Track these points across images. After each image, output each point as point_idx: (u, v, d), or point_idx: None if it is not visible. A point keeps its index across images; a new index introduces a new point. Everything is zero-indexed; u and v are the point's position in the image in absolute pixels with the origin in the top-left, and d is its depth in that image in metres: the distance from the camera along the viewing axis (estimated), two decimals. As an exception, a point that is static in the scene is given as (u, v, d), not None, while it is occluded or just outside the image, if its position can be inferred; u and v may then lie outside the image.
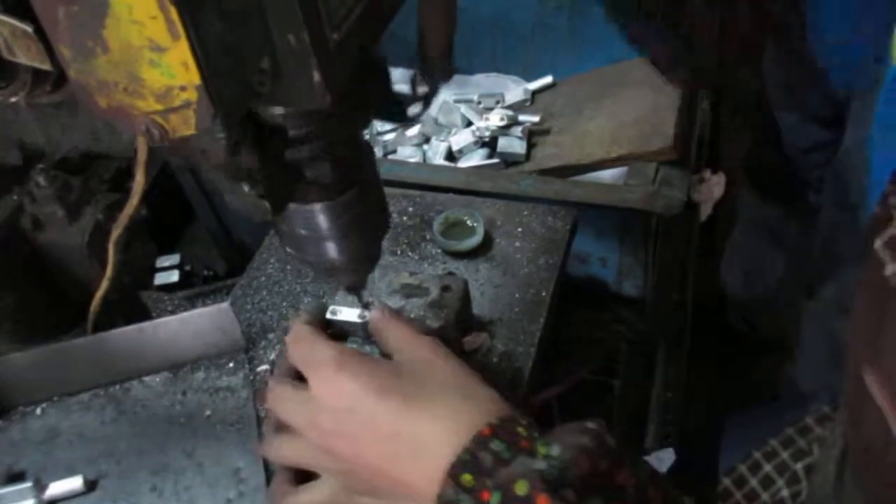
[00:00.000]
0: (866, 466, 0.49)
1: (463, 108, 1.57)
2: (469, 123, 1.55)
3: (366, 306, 0.83)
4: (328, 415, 0.62)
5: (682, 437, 1.25)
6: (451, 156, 1.50)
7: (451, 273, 1.01)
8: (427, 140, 1.54)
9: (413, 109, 0.63)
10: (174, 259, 1.24)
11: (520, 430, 0.57)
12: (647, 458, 1.09)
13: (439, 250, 1.06)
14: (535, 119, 1.50)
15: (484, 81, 1.74)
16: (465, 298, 0.92)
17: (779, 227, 1.70)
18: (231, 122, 0.45)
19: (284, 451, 0.68)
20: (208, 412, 0.90)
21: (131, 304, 0.99)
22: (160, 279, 1.21)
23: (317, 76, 0.46)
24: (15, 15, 0.41)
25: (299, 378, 0.67)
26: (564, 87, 1.61)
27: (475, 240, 1.04)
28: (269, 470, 0.80)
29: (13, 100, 0.46)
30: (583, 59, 1.65)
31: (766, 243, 1.75)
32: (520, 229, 1.07)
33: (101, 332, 0.90)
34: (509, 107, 1.59)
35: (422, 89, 0.63)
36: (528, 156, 1.45)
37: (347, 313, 0.85)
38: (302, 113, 0.53)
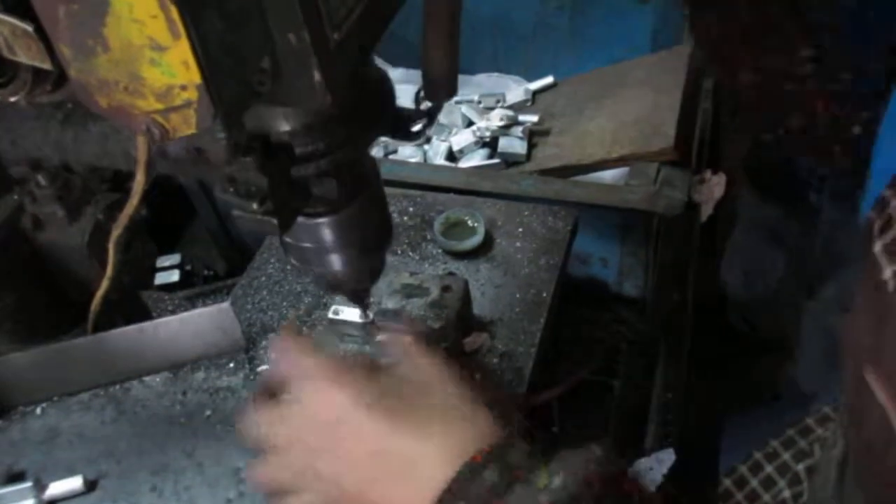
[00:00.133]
0: (868, 466, 0.49)
1: (464, 108, 1.57)
2: (470, 123, 1.55)
3: (366, 307, 0.83)
4: (314, 429, 0.59)
5: (683, 438, 1.24)
6: (451, 156, 1.50)
7: (451, 273, 1.01)
8: (428, 140, 1.54)
9: (417, 126, 0.63)
10: (174, 259, 1.24)
11: (515, 457, 0.54)
12: (647, 458, 1.09)
13: (440, 250, 1.06)
14: (536, 119, 1.50)
15: (485, 81, 1.74)
16: (466, 298, 0.92)
17: (779, 227, 1.70)
18: (231, 122, 0.45)
19: (263, 474, 0.62)
20: (208, 412, 0.90)
21: (131, 304, 0.99)
22: (160, 279, 1.21)
23: (317, 76, 0.46)
24: (15, 14, 0.41)
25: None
26: (565, 87, 1.61)
27: (476, 240, 1.04)
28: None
29: (13, 99, 0.45)
30: (584, 59, 1.65)
31: (767, 243, 1.74)
32: (520, 229, 1.07)
33: (101, 332, 0.90)
34: (510, 107, 1.59)
35: (425, 106, 0.62)
36: (528, 156, 1.45)
37: (349, 313, 0.85)
38: (308, 130, 0.53)
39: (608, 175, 1.35)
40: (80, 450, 0.87)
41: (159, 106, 0.41)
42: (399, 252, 1.06)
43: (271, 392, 0.64)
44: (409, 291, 0.90)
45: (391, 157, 1.50)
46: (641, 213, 1.20)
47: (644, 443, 1.25)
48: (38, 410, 0.92)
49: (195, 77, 0.39)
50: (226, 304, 0.93)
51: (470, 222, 1.06)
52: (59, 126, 0.56)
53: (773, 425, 0.88)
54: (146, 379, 0.94)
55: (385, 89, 0.59)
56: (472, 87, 1.70)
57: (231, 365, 0.95)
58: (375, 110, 0.57)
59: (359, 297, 0.79)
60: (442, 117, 1.57)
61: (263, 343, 0.97)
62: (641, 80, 1.45)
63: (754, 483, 0.85)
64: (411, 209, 1.12)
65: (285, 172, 0.54)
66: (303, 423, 0.60)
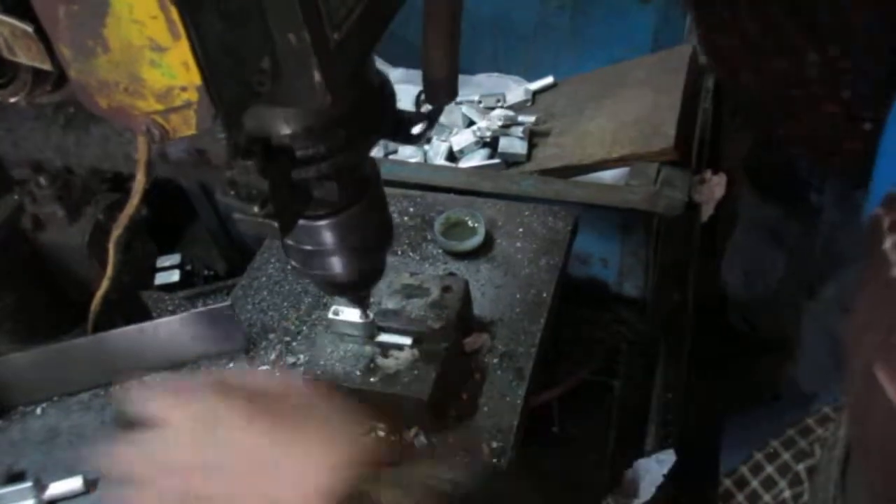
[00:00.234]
0: (873, 462, 0.48)
1: (464, 108, 1.57)
2: (470, 123, 1.55)
3: (367, 307, 0.83)
4: (185, 446, 0.56)
5: (683, 438, 1.24)
6: (451, 156, 1.50)
7: (451, 273, 1.01)
8: (428, 140, 1.54)
9: (417, 129, 0.63)
10: (175, 259, 1.24)
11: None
12: (647, 458, 1.09)
13: (440, 250, 1.06)
14: (536, 119, 1.50)
15: (485, 81, 1.73)
16: (466, 299, 0.92)
17: (780, 227, 1.70)
18: (232, 123, 0.45)
19: None
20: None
21: (132, 304, 0.99)
22: (161, 279, 1.21)
23: (317, 76, 0.46)
24: (15, 15, 0.41)
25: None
26: (565, 88, 1.61)
27: (476, 240, 1.04)
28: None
29: (13, 100, 0.45)
30: (584, 59, 1.65)
31: (767, 243, 1.74)
32: (521, 230, 1.07)
33: (101, 332, 0.90)
34: (510, 107, 1.59)
35: (426, 108, 0.62)
36: (529, 156, 1.45)
37: (349, 314, 0.85)
38: (309, 133, 0.53)
39: (608, 175, 1.35)
40: (80, 450, 0.87)
41: (159, 107, 0.41)
42: (399, 252, 1.06)
43: (130, 425, 0.60)
44: (410, 292, 0.90)
45: (391, 157, 1.50)
46: (642, 213, 1.19)
47: (644, 443, 1.25)
48: (38, 410, 0.92)
49: (195, 78, 0.39)
50: (226, 305, 0.93)
51: (470, 222, 1.06)
52: (61, 129, 0.56)
53: (774, 425, 0.88)
54: (146, 379, 0.94)
55: (386, 93, 0.59)
56: (473, 87, 1.70)
57: (231, 365, 0.95)
58: (376, 113, 0.58)
59: (359, 299, 0.79)
60: (442, 117, 1.56)
61: (263, 343, 0.97)
62: (642, 80, 1.45)
63: (755, 483, 0.84)
64: (411, 209, 1.12)
65: (286, 176, 0.54)
66: (172, 444, 0.57)
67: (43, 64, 0.42)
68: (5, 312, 0.90)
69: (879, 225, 0.40)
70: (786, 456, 0.83)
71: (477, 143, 1.48)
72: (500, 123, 1.47)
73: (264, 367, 0.94)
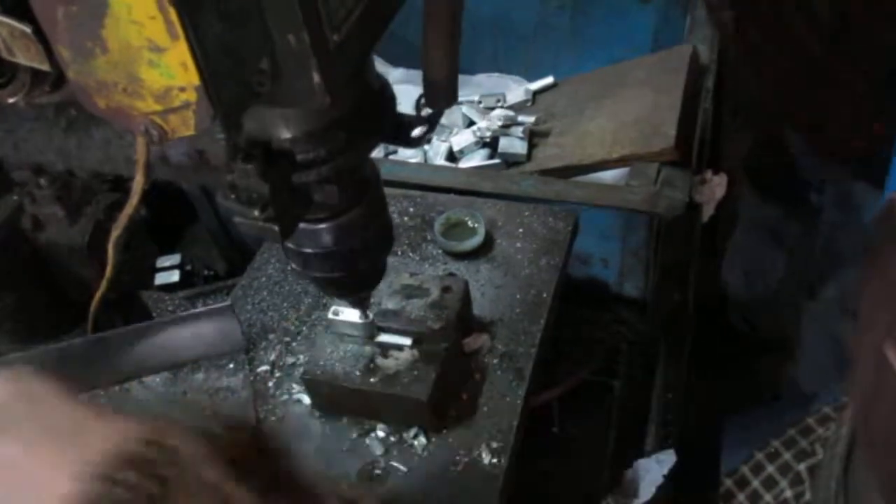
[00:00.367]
0: (882, 443, 0.48)
1: (464, 108, 1.57)
2: (470, 123, 1.55)
3: (366, 308, 0.83)
4: None
5: (683, 438, 1.24)
6: (451, 156, 1.50)
7: (451, 274, 1.01)
8: (428, 140, 1.54)
9: (417, 132, 0.63)
10: (175, 259, 1.24)
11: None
12: (647, 459, 1.09)
13: (440, 251, 1.06)
14: (536, 119, 1.50)
15: (485, 81, 1.73)
16: (466, 299, 0.92)
17: (780, 227, 1.70)
18: (231, 123, 0.45)
19: None
20: (208, 413, 0.90)
21: (132, 304, 0.99)
22: (161, 279, 1.21)
23: (316, 77, 0.46)
24: (14, 15, 0.41)
25: None
26: (566, 87, 1.61)
27: (476, 240, 1.04)
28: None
29: (12, 100, 0.45)
30: (584, 58, 1.65)
31: (768, 243, 1.74)
32: (521, 230, 1.07)
33: (101, 333, 0.90)
34: (510, 107, 1.59)
35: (426, 112, 0.62)
36: (529, 156, 1.45)
37: (348, 314, 0.85)
38: (309, 137, 0.53)
39: (609, 175, 1.35)
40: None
41: (158, 107, 0.41)
42: (399, 253, 1.06)
43: None
44: (409, 292, 0.90)
45: (391, 157, 1.50)
46: (642, 213, 1.19)
47: (644, 443, 1.25)
48: (38, 411, 0.92)
49: (194, 79, 0.39)
50: (226, 305, 0.93)
51: (470, 223, 1.06)
52: (62, 132, 0.56)
53: (774, 425, 0.88)
54: (146, 380, 0.94)
55: (386, 95, 0.59)
56: (473, 87, 1.70)
57: (231, 366, 0.95)
58: (376, 116, 0.57)
59: (360, 301, 0.80)
60: (442, 117, 1.57)
61: (263, 343, 0.97)
62: (642, 80, 1.45)
63: (756, 483, 0.85)
64: (411, 210, 1.12)
65: (287, 179, 0.54)
66: None
67: (41, 64, 0.42)
68: (5, 313, 0.90)
69: (895, 209, 0.40)
70: (787, 455, 0.83)
71: (477, 143, 1.48)
72: (500, 123, 1.47)
73: (264, 368, 0.94)
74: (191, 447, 0.46)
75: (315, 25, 0.44)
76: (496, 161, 1.46)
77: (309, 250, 0.64)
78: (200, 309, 0.94)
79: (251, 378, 0.94)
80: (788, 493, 0.81)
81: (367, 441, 0.86)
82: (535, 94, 1.62)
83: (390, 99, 0.60)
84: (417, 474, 0.83)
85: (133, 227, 0.82)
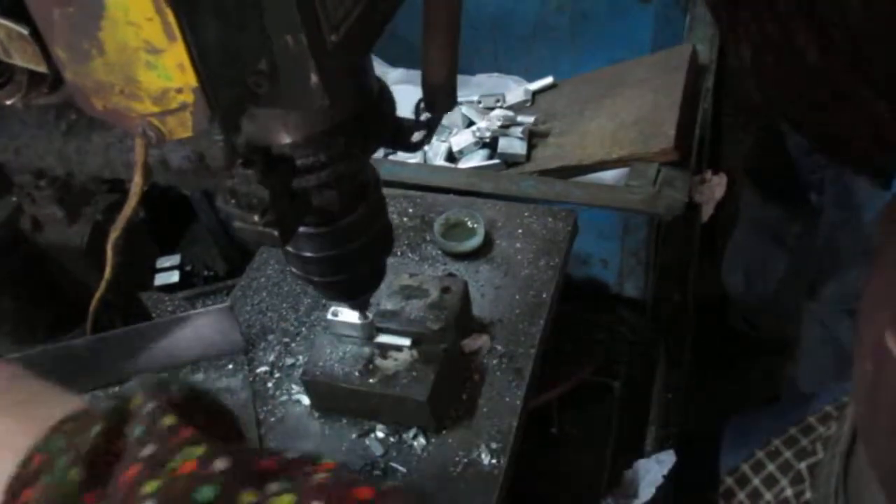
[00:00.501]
0: (883, 437, 0.48)
1: (464, 109, 1.57)
2: (470, 124, 1.55)
3: (365, 308, 0.83)
4: None
5: (683, 439, 1.24)
6: (451, 156, 1.50)
7: (451, 274, 1.01)
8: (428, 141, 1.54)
9: (416, 137, 0.63)
10: (174, 259, 1.24)
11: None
12: (647, 459, 1.09)
13: (439, 251, 1.06)
14: (535, 119, 1.50)
15: (485, 82, 1.73)
16: (465, 300, 0.92)
17: (780, 227, 1.70)
18: (229, 125, 0.45)
19: None
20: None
21: (131, 304, 0.99)
22: (161, 279, 1.21)
23: (314, 78, 0.46)
24: (11, 17, 0.41)
25: None
26: (565, 88, 1.61)
27: (476, 241, 1.04)
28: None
29: (9, 101, 0.45)
30: (584, 59, 1.65)
31: (768, 244, 1.74)
32: (520, 230, 1.07)
33: (101, 333, 0.90)
34: (510, 107, 1.59)
35: (426, 116, 0.62)
36: (528, 156, 1.44)
37: (347, 314, 0.85)
38: (309, 142, 0.53)
39: (608, 176, 1.35)
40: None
41: (155, 109, 0.41)
42: (398, 253, 1.06)
43: None
44: (409, 293, 0.90)
45: (391, 157, 1.50)
46: (642, 213, 1.19)
47: (644, 443, 1.25)
48: (38, 412, 0.92)
49: (191, 80, 0.39)
50: (225, 306, 0.93)
51: (470, 223, 1.06)
52: (62, 137, 0.56)
53: (774, 425, 0.88)
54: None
55: (385, 100, 0.59)
56: (472, 87, 1.70)
57: (230, 366, 0.95)
58: (376, 120, 0.57)
59: (359, 305, 0.80)
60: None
61: (262, 344, 0.97)
62: (641, 80, 1.45)
63: (756, 481, 0.84)
64: (411, 210, 1.12)
65: (287, 184, 0.54)
66: None
67: (39, 66, 0.42)
68: (5, 313, 0.90)
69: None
70: (787, 454, 0.83)
71: (476, 143, 1.48)
72: (499, 124, 1.47)
73: (263, 368, 0.94)
74: (148, 402, 0.48)
75: (313, 26, 0.44)
76: (496, 161, 1.46)
77: (308, 254, 0.64)
78: (200, 310, 0.94)
79: (250, 379, 0.94)
80: (789, 492, 0.81)
81: (367, 442, 0.86)
82: (535, 94, 1.62)
83: (390, 103, 0.60)
84: (417, 475, 0.83)
85: (132, 228, 0.82)
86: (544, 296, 0.98)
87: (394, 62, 1.69)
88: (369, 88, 0.57)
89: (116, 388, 0.93)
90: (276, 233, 0.53)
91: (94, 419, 0.48)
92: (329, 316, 0.86)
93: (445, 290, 0.90)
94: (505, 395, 0.89)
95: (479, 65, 1.75)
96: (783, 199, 1.66)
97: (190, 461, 0.43)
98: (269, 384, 0.93)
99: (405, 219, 1.11)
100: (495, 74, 1.75)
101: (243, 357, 0.96)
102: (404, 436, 0.86)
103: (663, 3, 1.57)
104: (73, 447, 0.46)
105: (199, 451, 0.44)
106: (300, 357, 0.95)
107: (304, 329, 0.99)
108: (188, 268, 1.29)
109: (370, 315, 0.84)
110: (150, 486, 0.42)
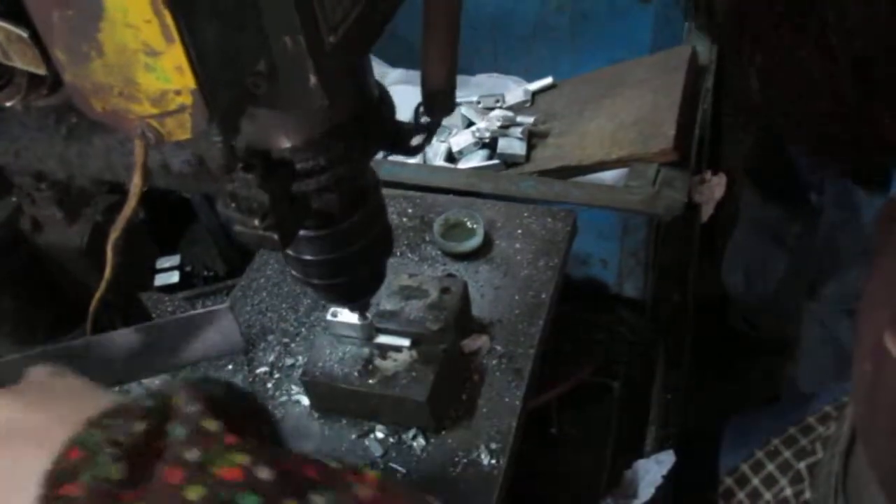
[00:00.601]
0: (882, 436, 0.48)
1: (463, 109, 1.57)
2: (469, 124, 1.55)
3: (365, 309, 0.83)
4: None
5: (683, 439, 1.24)
6: (451, 157, 1.50)
7: (450, 275, 1.01)
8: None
9: (416, 140, 0.63)
10: (174, 260, 1.24)
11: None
12: (646, 459, 1.09)
13: (439, 252, 1.06)
14: (535, 120, 1.50)
15: (485, 82, 1.73)
16: (465, 300, 0.92)
17: (780, 227, 1.70)
18: (228, 126, 0.45)
19: None
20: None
21: (131, 305, 0.99)
22: (160, 280, 1.21)
23: (313, 79, 0.46)
24: (10, 20, 0.41)
25: None
26: (565, 88, 1.61)
27: (475, 241, 1.04)
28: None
29: (9, 104, 0.45)
30: (584, 59, 1.65)
31: (768, 244, 1.74)
32: (520, 231, 1.07)
33: (100, 334, 0.90)
34: (510, 107, 1.59)
35: (425, 120, 0.63)
36: (528, 157, 1.45)
37: (347, 315, 0.85)
38: (309, 146, 0.53)
39: (608, 176, 1.35)
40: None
41: (154, 110, 0.41)
42: (398, 254, 1.06)
43: None
44: (408, 293, 0.90)
45: (390, 158, 1.50)
46: (641, 214, 1.19)
47: (644, 444, 1.25)
48: (38, 412, 0.92)
49: (189, 82, 0.39)
50: (225, 306, 0.93)
51: (469, 224, 1.06)
52: (63, 141, 0.57)
53: (774, 425, 0.88)
54: (145, 381, 0.94)
55: (385, 104, 0.59)
56: (472, 87, 1.70)
57: (230, 367, 0.95)
58: (375, 123, 0.58)
59: (360, 307, 0.80)
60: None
61: (262, 345, 0.98)
62: (641, 80, 1.45)
63: (756, 481, 0.84)
64: (410, 210, 1.12)
65: (286, 188, 0.54)
66: None
67: (38, 68, 0.42)
68: (5, 314, 0.90)
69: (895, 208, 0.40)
70: (787, 454, 0.83)
71: (476, 143, 1.48)
72: (499, 124, 1.47)
73: (263, 369, 0.94)
74: (191, 404, 0.49)
75: (311, 27, 0.44)
76: (495, 162, 1.46)
77: (308, 257, 0.64)
78: (200, 310, 0.94)
79: (250, 379, 0.94)
80: (788, 492, 0.81)
81: (367, 442, 0.87)
82: (535, 94, 1.62)
83: (389, 107, 0.60)
84: (416, 475, 0.83)
85: (132, 229, 0.82)
86: (543, 296, 0.99)
87: (394, 62, 1.69)
88: (369, 89, 0.57)
89: (116, 389, 0.93)
90: (276, 237, 0.53)
91: (132, 415, 0.49)
92: (328, 316, 0.86)
93: (445, 290, 0.90)
94: (504, 395, 0.89)
95: (478, 65, 1.75)
96: (783, 199, 1.66)
97: (234, 468, 0.44)
98: (269, 384, 0.94)
99: (405, 219, 1.11)
100: (495, 75, 1.75)
101: (243, 357, 0.96)
102: (404, 436, 0.86)
103: (663, 3, 1.57)
104: (112, 443, 0.46)
105: (243, 458, 0.44)
106: (300, 357, 0.95)
107: (303, 329, 0.99)
108: (188, 268, 1.29)
109: (370, 316, 0.84)
110: (193, 492, 0.43)
